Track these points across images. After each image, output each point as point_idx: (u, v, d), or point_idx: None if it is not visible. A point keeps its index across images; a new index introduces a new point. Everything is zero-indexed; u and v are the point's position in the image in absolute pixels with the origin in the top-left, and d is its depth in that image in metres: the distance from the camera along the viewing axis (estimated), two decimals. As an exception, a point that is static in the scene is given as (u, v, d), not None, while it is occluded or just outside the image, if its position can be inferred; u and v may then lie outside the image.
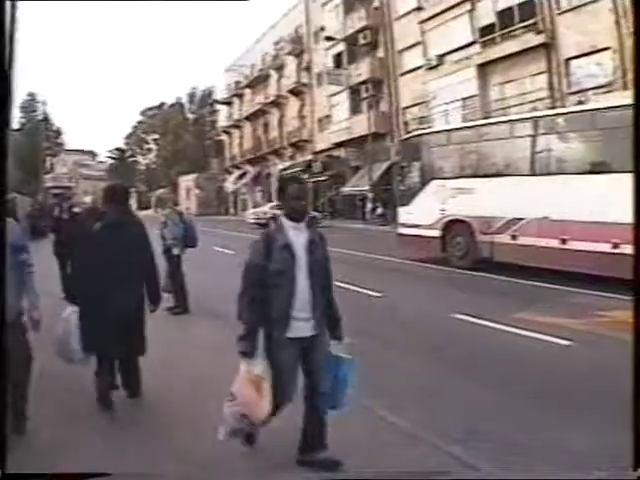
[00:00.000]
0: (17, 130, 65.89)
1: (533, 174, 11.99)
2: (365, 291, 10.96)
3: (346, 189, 37.86)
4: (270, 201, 44.99)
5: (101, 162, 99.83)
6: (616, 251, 10.08)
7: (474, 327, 8.02)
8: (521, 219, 12.11)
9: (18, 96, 69.18)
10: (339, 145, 39.26)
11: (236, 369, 3.71)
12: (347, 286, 11.32)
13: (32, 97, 68.17)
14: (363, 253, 17.41)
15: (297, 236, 3.73)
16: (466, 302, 9.90)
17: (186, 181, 71.91)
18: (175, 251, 9.36)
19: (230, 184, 61.48)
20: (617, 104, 10.52)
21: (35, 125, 59.52)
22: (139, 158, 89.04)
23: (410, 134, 17.39)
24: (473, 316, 8.45)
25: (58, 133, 73.40)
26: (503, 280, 11.84)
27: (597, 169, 10.82)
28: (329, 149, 40.75)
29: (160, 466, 3.86)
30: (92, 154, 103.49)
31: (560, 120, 11.91)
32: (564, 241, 11.23)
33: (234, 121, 61.09)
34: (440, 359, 6.63)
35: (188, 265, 9.87)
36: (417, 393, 5.49)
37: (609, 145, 10.53)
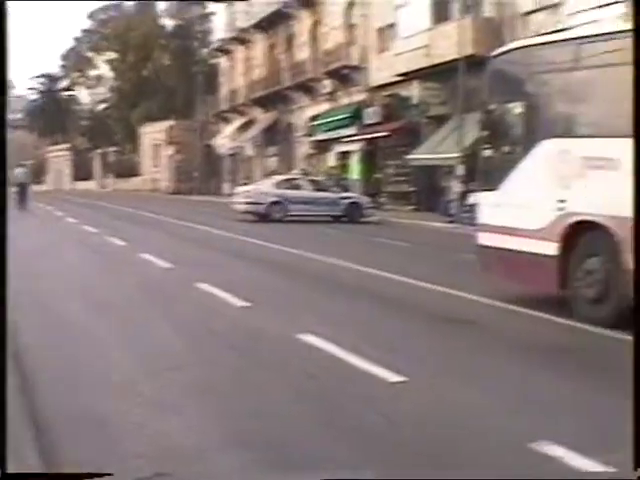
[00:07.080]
0: None
1: None
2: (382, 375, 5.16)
3: (419, 156, 25.38)
4: (291, 169, 30.65)
5: (17, 98, 71.56)
6: None
7: None
8: None
9: None
10: (410, 77, 25.94)
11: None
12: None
13: None
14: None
15: None
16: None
17: (153, 133, 50.21)
18: None
19: (226, 140, 42.32)
20: None
21: None
22: (81, 92, 64.58)
23: (505, 47, 10.05)
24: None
25: None
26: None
27: None
28: (393, 83, 27.49)
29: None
30: None
31: None
32: None
33: (237, 32, 41.67)
34: None
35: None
36: None
37: None
